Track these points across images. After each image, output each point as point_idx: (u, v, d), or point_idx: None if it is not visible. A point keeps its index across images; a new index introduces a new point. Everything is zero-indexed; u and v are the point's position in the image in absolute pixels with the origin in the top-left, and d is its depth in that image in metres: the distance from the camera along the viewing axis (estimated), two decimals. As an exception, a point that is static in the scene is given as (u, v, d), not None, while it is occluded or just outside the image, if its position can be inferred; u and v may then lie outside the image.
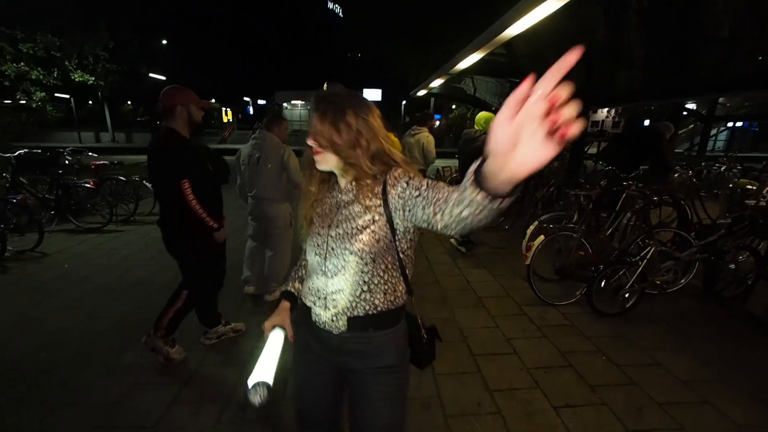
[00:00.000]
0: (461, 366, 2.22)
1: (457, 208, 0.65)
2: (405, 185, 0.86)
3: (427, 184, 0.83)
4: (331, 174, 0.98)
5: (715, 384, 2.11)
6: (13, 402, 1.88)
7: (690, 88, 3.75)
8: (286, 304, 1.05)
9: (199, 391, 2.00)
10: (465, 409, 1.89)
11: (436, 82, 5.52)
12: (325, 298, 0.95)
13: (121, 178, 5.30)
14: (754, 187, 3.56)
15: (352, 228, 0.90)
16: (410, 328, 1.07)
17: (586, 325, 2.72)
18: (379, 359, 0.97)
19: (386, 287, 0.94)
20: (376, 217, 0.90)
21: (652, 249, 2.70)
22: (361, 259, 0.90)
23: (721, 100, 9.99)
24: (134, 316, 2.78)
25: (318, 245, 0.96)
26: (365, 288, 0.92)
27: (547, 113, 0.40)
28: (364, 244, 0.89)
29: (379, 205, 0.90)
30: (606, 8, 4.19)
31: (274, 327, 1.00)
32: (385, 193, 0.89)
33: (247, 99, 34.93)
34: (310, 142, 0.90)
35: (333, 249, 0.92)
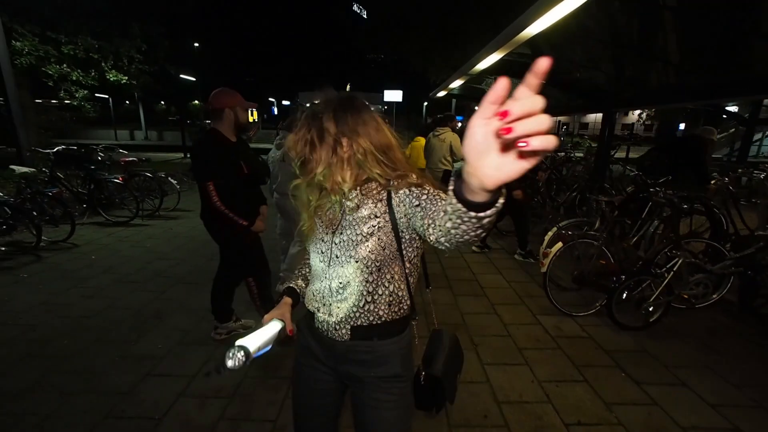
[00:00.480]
0: (469, 374, 2.16)
1: (444, 218, 0.61)
2: (407, 192, 0.85)
3: (428, 193, 0.82)
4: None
5: (746, 410, 1.94)
6: (33, 386, 1.98)
7: (731, 88, 3.49)
8: (287, 300, 1.02)
9: (206, 386, 2.04)
10: (470, 420, 1.83)
11: (456, 83, 5.43)
12: (330, 305, 0.92)
13: (148, 174, 5.53)
14: None
15: (357, 235, 0.87)
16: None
17: (604, 338, 2.58)
18: (383, 368, 0.93)
19: (391, 299, 0.91)
20: (382, 224, 0.87)
21: (680, 260, 2.53)
22: (366, 267, 0.87)
23: (765, 101, 9.30)
24: (152, 306, 2.88)
25: (322, 252, 0.93)
26: (369, 299, 0.89)
27: (502, 126, 0.37)
28: (369, 251, 0.86)
29: (385, 212, 0.87)
30: (637, 1, 3.98)
31: (272, 320, 0.97)
32: (390, 198, 0.87)
33: (271, 99, 35.80)
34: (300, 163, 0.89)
35: (337, 257, 0.90)
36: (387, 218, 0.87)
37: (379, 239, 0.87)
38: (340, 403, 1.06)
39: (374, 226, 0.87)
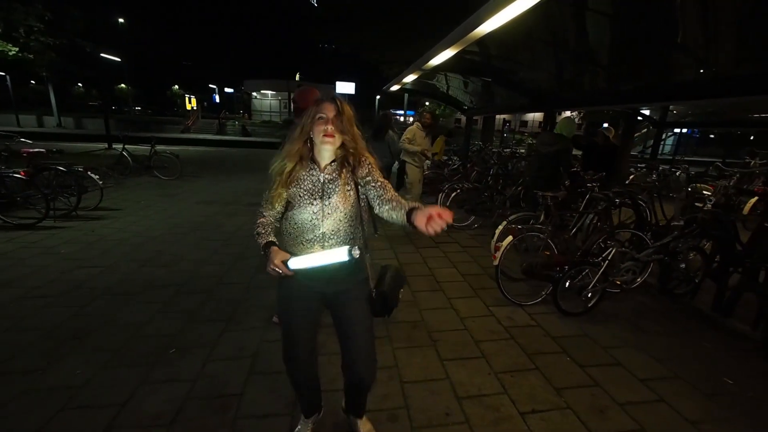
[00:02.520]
0: (430, 372, 2.16)
1: (392, 212, 1.28)
2: (368, 171, 1.36)
3: (379, 178, 1.36)
4: (302, 157, 1.33)
5: (668, 381, 2.19)
6: None
7: (649, 95, 3.89)
8: (276, 248, 1.28)
9: (141, 412, 1.78)
10: (433, 419, 1.82)
11: (410, 78, 5.42)
12: (323, 245, 1.31)
13: (61, 168, 4.76)
14: (709, 193, 3.77)
15: (340, 198, 1.30)
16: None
17: (551, 325, 2.75)
18: (357, 275, 1.42)
19: (359, 233, 1.38)
20: (351, 187, 1.33)
21: (614, 250, 2.77)
22: (350, 217, 1.33)
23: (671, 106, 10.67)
24: (69, 325, 2.47)
25: (314, 213, 1.29)
26: (351, 237, 1.35)
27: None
28: (351, 205, 1.32)
29: (351, 181, 1.34)
30: (575, 9, 4.25)
31: (284, 261, 1.23)
32: (354, 171, 1.34)
33: (213, 86, 33.16)
34: (327, 126, 1.25)
35: (329, 213, 1.29)
36: (352, 185, 1.34)
37: (352, 197, 1.33)
38: (319, 318, 1.50)
39: (349, 189, 1.33)
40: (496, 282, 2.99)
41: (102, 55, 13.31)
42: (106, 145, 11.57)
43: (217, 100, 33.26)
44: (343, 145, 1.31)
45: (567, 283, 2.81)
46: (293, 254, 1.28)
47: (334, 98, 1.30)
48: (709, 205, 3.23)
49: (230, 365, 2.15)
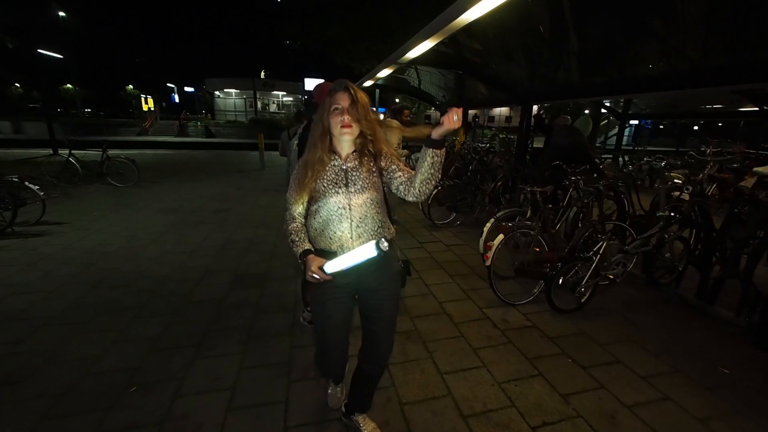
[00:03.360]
0: (430, 389, 1.98)
1: (417, 180, 1.25)
2: (390, 160, 1.34)
3: (401, 167, 1.34)
4: (324, 152, 1.30)
5: (669, 376, 2.15)
6: None
7: (622, 86, 3.93)
8: (312, 256, 1.28)
9: None
10: (439, 444, 1.65)
11: (384, 72, 5.23)
12: (351, 237, 1.29)
13: (-10, 179, 4.15)
14: (680, 181, 3.86)
15: (366, 183, 1.30)
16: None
17: (546, 324, 2.67)
18: (390, 268, 1.41)
19: (387, 219, 1.39)
20: (375, 176, 1.33)
21: (604, 243, 2.73)
22: (377, 203, 1.32)
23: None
24: (0, 367, 2.07)
25: (339, 202, 1.28)
26: (380, 224, 1.34)
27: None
28: (377, 192, 1.32)
29: (374, 169, 1.34)
30: (548, 3, 4.21)
31: (321, 267, 1.24)
32: (377, 160, 1.34)
33: (171, 85, 31.27)
34: (345, 117, 1.23)
35: (356, 201, 1.28)
36: (377, 173, 1.35)
37: (377, 185, 1.33)
38: (352, 317, 1.49)
39: (373, 178, 1.33)
40: (489, 283, 2.87)
41: (40, 51, 12.00)
42: (50, 151, 10.50)
43: (177, 100, 31.40)
44: (361, 134, 1.29)
45: (560, 280, 2.74)
46: (322, 250, 1.32)
47: (347, 86, 1.25)
48: (686, 194, 3.29)
49: (204, 401, 1.86)
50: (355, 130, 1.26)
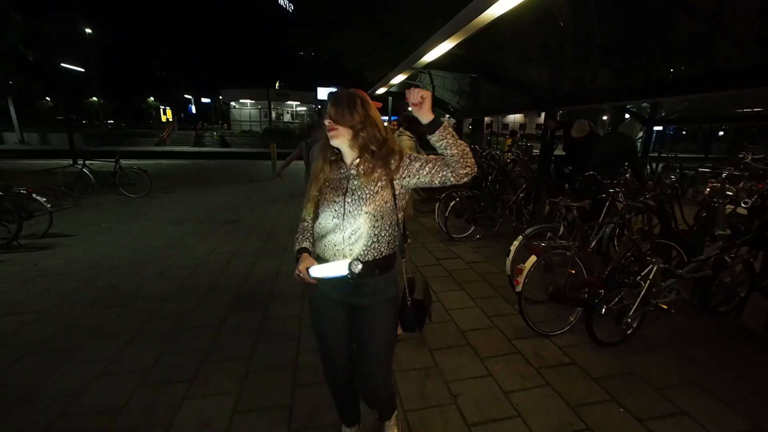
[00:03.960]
0: (455, 446, 1.66)
1: (447, 167, 1.16)
2: (408, 162, 1.23)
3: (424, 157, 1.22)
4: (335, 156, 1.29)
5: (749, 435, 1.76)
6: None
7: (653, 90, 3.56)
8: (306, 255, 1.28)
9: None
10: None
11: (398, 78, 4.99)
12: (344, 249, 1.23)
13: (-3, 191, 4.07)
14: (731, 193, 3.44)
15: (365, 194, 1.21)
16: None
17: (588, 361, 2.30)
18: (383, 293, 1.31)
19: (390, 238, 1.26)
20: (381, 185, 1.22)
21: (655, 267, 2.36)
22: (373, 216, 1.21)
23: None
24: (-30, 406, 1.85)
25: (335, 210, 1.23)
26: (375, 240, 1.23)
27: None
28: (376, 204, 1.21)
29: (384, 176, 1.23)
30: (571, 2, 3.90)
31: (307, 268, 1.20)
32: (388, 166, 1.22)
33: (188, 96, 32.10)
34: (327, 121, 1.20)
35: (350, 211, 1.21)
36: (385, 181, 1.22)
37: (381, 196, 1.22)
38: (350, 326, 1.38)
39: (378, 187, 1.22)
40: (520, 311, 2.52)
41: (63, 65, 12.37)
42: (69, 162, 10.70)
43: (194, 110, 32.14)
44: (359, 137, 1.21)
45: (603, 309, 2.37)
46: (320, 257, 1.29)
47: (334, 95, 1.23)
48: (743, 207, 2.88)
49: None
50: (342, 133, 1.20)
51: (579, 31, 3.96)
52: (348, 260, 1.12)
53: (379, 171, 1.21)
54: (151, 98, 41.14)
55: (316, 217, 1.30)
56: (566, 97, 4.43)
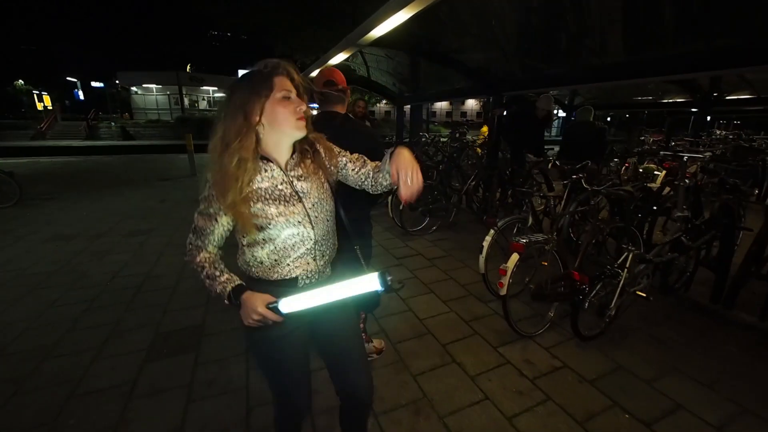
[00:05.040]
0: None
1: (380, 178, 1.10)
2: (332, 153, 1.14)
3: (349, 155, 1.16)
4: (249, 156, 0.96)
5: (741, 418, 1.75)
6: None
7: (601, 73, 3.62)
8: (249, 292, 0.98)
9: None
10: None
11: (338, 58, 4.42)
12: (315, 256, 1.07)
13: None
14: (658, 172, 3.66)
15: (319, 194, 1.07)
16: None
17: (578, 361, 2.16)
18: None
19: (336, 227, 1.17)
20: (323, 179, 1.11)
21: (630, 254, 2.30)
22: (330, 212, 1.12)
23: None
24: None
25: (299, 221, 1.02)
26: (333, 235, 1.14)
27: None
28: (330, 199, 1.12)
29: (321, 172, 1.10)
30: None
31: (269, 304, 0.96)
32: (319, 161, 1.10)
33: (72, 80, 26.66)
34: (303, 108, 0.98)
35: (316, 216, 1.05)
36: (322, 177, 1.11)
37: (328, 191, 1.11)
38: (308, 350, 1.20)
39: (321, 183, 1.09)
40: (505, 318, 2.29)
41: None
42: None
43: (82, 96, 26.75)
44: None
45: (587, 303, 2.25)
46: (283, 281, 1.05)
47: (288, 71, 0.99)
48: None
49: None
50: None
51: (534, 15, 3.82)
52: (374, 274, 0.87)
53: (311, 161, 1.09)
54: (20, 81, 33.27)
55: (256, 243, 1.01)
56: (516, 82, 4.36)
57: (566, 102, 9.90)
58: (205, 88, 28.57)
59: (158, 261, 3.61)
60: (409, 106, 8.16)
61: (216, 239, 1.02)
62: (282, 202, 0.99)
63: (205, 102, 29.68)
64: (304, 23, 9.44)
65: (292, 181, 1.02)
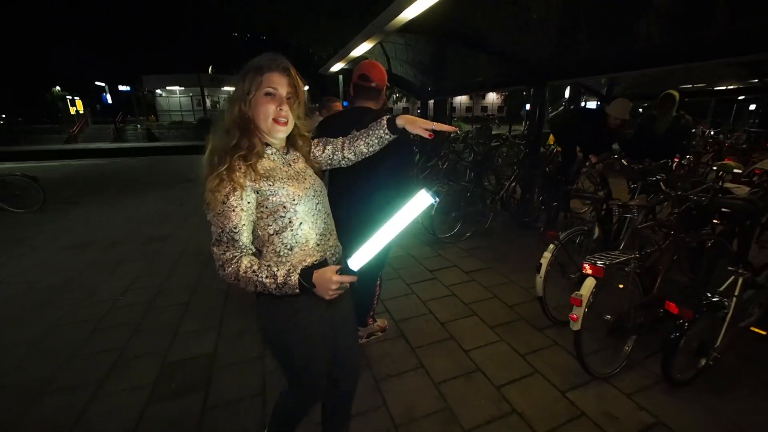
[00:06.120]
0: None
1: (362, 145, 1.17)
2: (317, 142, 1.22)
3: (326, 139, 1.23)
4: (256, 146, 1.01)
5: None
6: None
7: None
8: (315, 272, 0.96)
9: None
10: None
11: (361, 48, 4.02)
12: (331, 230, 1.15)
13: None
14: (740, 170, 3.08)
15: (317, 179, 1.14)
16: None
17: (673, 416, 1.70)
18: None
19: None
20: (314, 166, 1.19)
21: (740, 279, 1.80)
22: (324, 189, 1.18)
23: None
24: None
25: (312, 195, 1.07)
26: (329, 210, 1.19)
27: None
28: (319, 177, 1.18)
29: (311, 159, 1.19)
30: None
31: (338, 271, 0.95)
32: (310, 150, 1.20)
33: (101, 84, 27.61)
34: (284, 110, 1.00)
35: (320, 192, 1.13)
36: (313, 164, 1.19)
37: (317, 171, 1.19)
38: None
39: (315, 169, 1.18)
40: (578, 357, 1.85)
41: None
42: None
43: (110, 100, 27.72)
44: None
45: (681, 342, 1.78)
46: (320, 265, 1.05)
47: (287, 68, 1.00)
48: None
49: None
50: (289, 128, 1.04)
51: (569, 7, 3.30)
52: (422, 190, 0.90)
53: (306, 157, 1.18)
54: (57, 88, 34.92)
55: (283, 228, 1.02)
56: (562, 69, 3.82)
57: (603, 92, 9.15)
58: (225, 88, 28.95)
59: (172, 272, 3.36)
60: (432, 101, 7.68)
61: (248, 236, 0.98)
62: (293, 181, 1.03)
63: (226, 102, 30.11)
64: (318, 15, 9.10)
65: (290, 163, 1.08)
